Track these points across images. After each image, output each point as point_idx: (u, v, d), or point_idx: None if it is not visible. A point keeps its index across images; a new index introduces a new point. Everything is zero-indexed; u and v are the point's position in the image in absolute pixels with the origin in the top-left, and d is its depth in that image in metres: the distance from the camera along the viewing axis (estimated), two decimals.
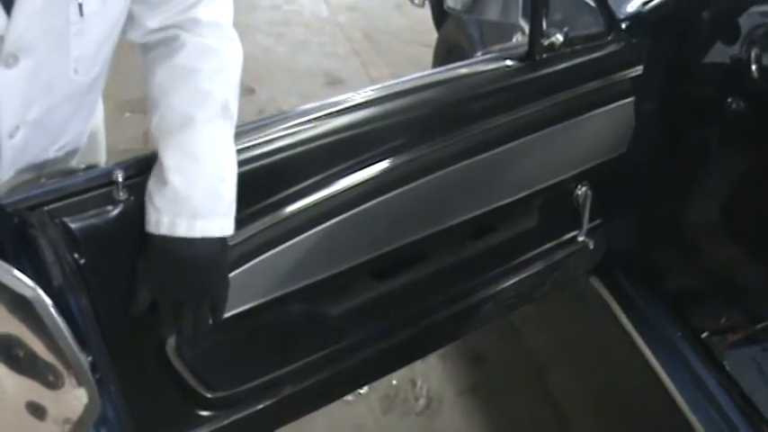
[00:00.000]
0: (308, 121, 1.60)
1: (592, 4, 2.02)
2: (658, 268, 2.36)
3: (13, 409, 1.19)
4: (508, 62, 1.88)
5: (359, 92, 1.70)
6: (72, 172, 1.42)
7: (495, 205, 1.92)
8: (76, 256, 1.35)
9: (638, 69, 2.03)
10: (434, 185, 1.74)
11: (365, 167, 1.64)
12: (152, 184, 1.36)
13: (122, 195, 1.36)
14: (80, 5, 1.31)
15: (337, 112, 1.63)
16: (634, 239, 2.34)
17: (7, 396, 1.18)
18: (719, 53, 2.20)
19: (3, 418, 1.21)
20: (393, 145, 1.67)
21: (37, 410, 1.18)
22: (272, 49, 5.22)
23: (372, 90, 1.72)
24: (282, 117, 1.59)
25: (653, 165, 2.23)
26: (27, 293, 1.07)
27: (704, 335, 2.22)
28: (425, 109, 1.74)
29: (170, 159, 1.35)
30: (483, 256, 2.03)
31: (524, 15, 2.00)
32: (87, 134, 1.67)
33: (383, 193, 1.67)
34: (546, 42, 1.91)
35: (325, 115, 1.62)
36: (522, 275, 2.11)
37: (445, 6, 2.21)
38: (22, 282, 1.06)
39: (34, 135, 1.44)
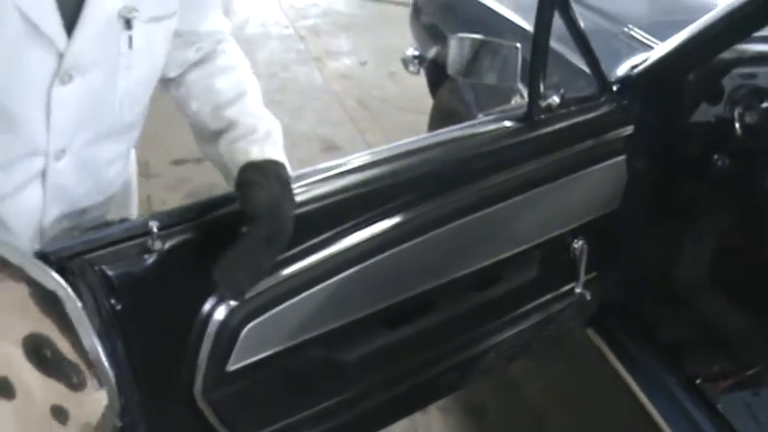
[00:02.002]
0: (318, 180, 1.70)
1: (585, 68, 2.15)
2: (652, 318, 2.44)
3: (40, 414, 1.26)
4: (507, 123, 2.00)
5: (363, 153, 1.80)
6: (109, 223, 1.52)
7: (495, 259, 2.01)
8: (113, 302, 1.44)
9: (629, 129, 2.15)
10: (437, 241, 1.83)
11: (371, 225, 1.73)
12: (236, 138, 1.56)
13: (157, 245, 1.45)
14: (130, 37, 1.44)
15: (343, 172, 1.73)
16: (628, 291, 2.43)
17: (35, 400, 1.26)
18: (705, 113, 2.32)
19: (29, 423, 1.28)
20: (397, 203, 1.76)
21: (60, 414, 1.26)
22: None
23: (377, 152, 1.82)
24: (299, 174, 1.69)
25: (644, 220, 2.33)
26: (57, 291, 1.16)
27: (698, 381, 2.30)
28: (430, 167, 1.83)
29: (245, 119, 1.58)
30: (484, 308, 2.10)
31: (522, 79, 2.13)
32: (120, 191, 1.77)
33: (388, 249, 1.75)
34: (543, 104, 2.02)
35: (331, 176, 1.71)
36: (521, 327, 2.19)
37: (449, 72, 2.33)
38: (54, 279, 1.15)
39: (78, 168, 1.55)
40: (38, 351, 1.22)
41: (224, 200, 1.55)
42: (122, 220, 1.55)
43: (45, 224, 1.58)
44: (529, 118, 2.00)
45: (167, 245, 1.46)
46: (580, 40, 2.07)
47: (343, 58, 6.41)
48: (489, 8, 3.43)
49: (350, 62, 6.33)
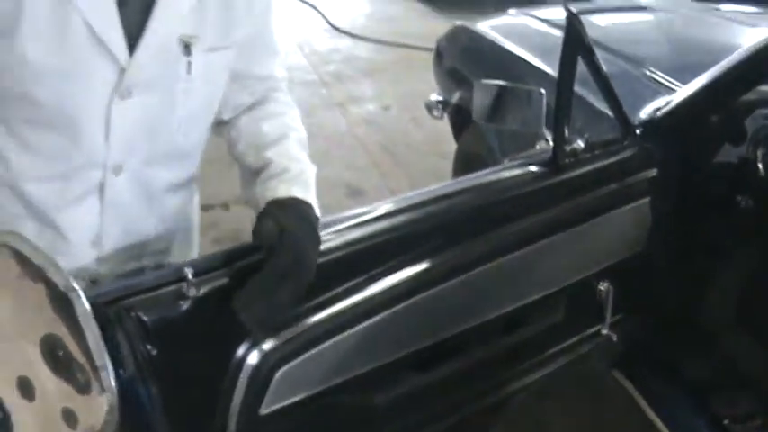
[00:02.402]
0: (347, 227, 1.73)
1: (609, 112, 2.18)
2: (679, 359, 2.45)
3: (53, 417, 1.29)
4: (533, 168, 2.03)
5: (390, 200, 1.85)
6: (145, 269, 1.56)
7: (521, 303, 2.03)
8: (149, 347, 1.47)
9: (653, 171, 2.17)
10: (464, 285, 1.85)
11: (399, 270, 1.75)
12: (268, 177, 1.62)
13: (192, 292, 1.49)
14: (189, 63, 1.52)
15: (371, 219, 1.77)
16: (655, 332, 2.44)
17: (49, 402, 1.30)
18: (728, 154, 2.35)
19: (44, 426, 1.31)
20: (424, 249, 1.79)
21: (70, 418, 1.28)
22: None
23: (403, 198, 1.86)
24: (325, 222, 1.73)
25: (670, 260, 2.35)
26: (69, 292, 1.21)
27: (726, 422, 2.30)
28: (457, 213, 1.87)
29: (280, 160, 1.63)
30: (511, 351, 2.11)
31: (547, 124, 2.16)
32: (182, 230, 1.82)
33: (416, 294, 1.77)
34: (568, 149, 2.05)
35: (359, 222, 1.75)
36: (549, 369, 2.21)
37: (473, 117, 2.37)
38: (67, 280, 1.20)
39: (134, 187, 1.62)
40: (52, 352, 1.26)
41: (257, 246, 1.58)
42: (158, 267, 1.60)
43: (104, 243, 1.64)
44: (554, 163, 2.03)
45: (202, 291, 1.49)
46: (603, 84, 2.10)
47: (366, 103, 6.48)
48: (512, 53, 3.49)
49: (373, 107, 6.40)
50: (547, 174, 2.02)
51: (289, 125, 1.75)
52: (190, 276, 1.48)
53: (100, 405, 1.24)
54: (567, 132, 2.03)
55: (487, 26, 3.99)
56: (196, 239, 1.96)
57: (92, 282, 1.65)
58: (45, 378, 1.29)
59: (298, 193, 1.57)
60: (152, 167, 1.63)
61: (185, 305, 1.48)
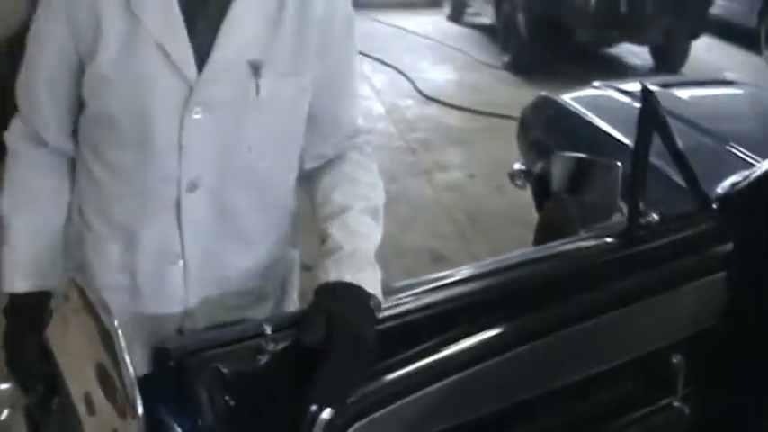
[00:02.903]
0: (425, 291, 1.79)
1: (685, 186, 2.21)
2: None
3: None
4: (608, 239, 2.07)
5: (468, 266, 1.91)
6: (227, 325, 1.64)
7: (592, 371, 2.05)
8: (227, 398, 1.54)
9: (730, 246, 2.19)
10: (536, 352, 1.88)
11: (473, 335, 1.79)
12: (324, 253, 1.62)
13: (270, 347, 1.55)
14: (257, 85, 1.60)
15: (449, 283, 1.83)
16: (729, 405, 2.42)
17: (104, 421, 1.39)
18: None
19: None
20: (498, 315, 1.83)
21: None
22: None
23: (481, 265, 1.94)
24: (407, 284, 1.79)
25: (745, 335, 2.34)
26: (110, 329, 1.31)
27: None
28: (533, 281, 1.92)
29: (337, 235, 1.64)
30: (581, 420, 2.12)
31: (623, 196, 2.20)
32: (275, 282, 1.88)
33: (488, 359, 1.80)
34: (643, 221, 2.09)
35: (438, 286, 1.81)
36: None
37: (553, 188, 2.42)
38: (109, 318, 1.31)
39: (211, 206, 1.69)
40: (103, 376, 1.37)
41: None
42: (238, 322, 1.68)
43: (191, 270, 1.73)
44: (628, 234, 2.06)
45: (279, 346, 1.56)
46: (678, 158, 2.13)
47: (452, 170, 6.56)
48: (594, 125, 3.54)
49: (459, 175, 6.47)
50: (621, 245, 2.05)
51: (358, 194, 1.74)
52: (268, 332, 1.55)
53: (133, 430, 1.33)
54: (642, 205, 2.07)
55: (571, 97, 4.06)
56: (292, 301, 1.98)
57: (178, 331, 1.75)
58: (100, 398, 1.40)
59: (347, 275, 1.58)
60: (227, 187, 1.69)
61: (263, 359, 1.55)
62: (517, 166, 4.12)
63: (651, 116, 2.01)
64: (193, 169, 1.64)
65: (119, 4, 1.55)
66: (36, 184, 1.77)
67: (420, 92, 8.69)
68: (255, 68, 1.60)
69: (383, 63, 9.81)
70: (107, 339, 1.34)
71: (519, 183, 4.10)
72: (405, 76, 9.29)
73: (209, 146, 1.63)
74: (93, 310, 1.37)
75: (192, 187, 1.65)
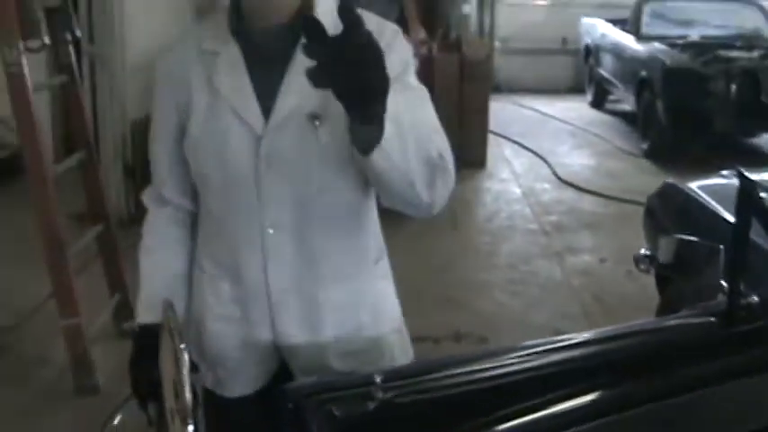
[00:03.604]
0: (531, 354, 1.94)
1: None
2: None
3: None
4: (708, 318, 2.17)
5: (568, 336, 2.04)
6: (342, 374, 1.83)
7: None
8: None
9: None
10: (627, 423, 1.95)
11: (572, 398, 1.89)
12: None
13: (380, 395, 1.73)
14: (317, 134, 1.85)
15: (556, 348, 1.97)
16: None
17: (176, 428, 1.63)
18: None
19: None
20: (593, 383, 1.93)
21: None
22: (507, 304, 5.65)
23: (581, 334, 2.06)
24: (503, 350, 1.94)
25: None
26: (179, 356, 1.57)
27: None
28: (632, 352, 2.03)
29: None
30: None
31: (725, 276, 2.29)
32: (376, 335, 2.07)
33: (589, 421, 1.89)
34: (743, 301, 2.18)
35: (533, 353, 1.95)
36: None
37: (659, 269, 2.53)
38: (180, 345, 1.57)
39: (294, 244, 1.93)
40: (175, 392, 1.64)
41: (443, 365, 1.82)
42: (349, 373, 1.87)
43: (282, 303, 1.97)
44: (728, 315, 2.15)
45: (388, 395, 1.74)
46: None
47: (583, 254, 6.64)
48: (717, 213, 3.61)
49: (590, 259, 6.54)
50: (720, 325, 2.15)
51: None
52: (378, 381, 1.74)
53: None
54: (742, 286, 2.17)
55: (697, 185, 4.13)
56: (398, 357, 2.15)
57: (281, 359, 2.03)
58: (173, 411, 1.66)
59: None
60: (304, 226, 1.93)
61: (372, 405, 1.73)
62: (642, 251, 4.17)
63: (749, 201, 2.12)
64: (271, 211, 1.92)
65: (204, 82, 1.93)
66: (159, 234, 2.12)
67: (558, 176, 8.79)
68: (314, 119, 1.85)
69: (524, 147, 9.98)
70: (177, 360, 1.59)
71: (643, 267, 4.15)
72: (544, 160, 9.42)
73: (282, 190, 1.90)
74: (171, 335, 1.63)
75: (273, 227, 1.93)
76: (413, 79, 1.92)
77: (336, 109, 1.71)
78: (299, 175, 1.90)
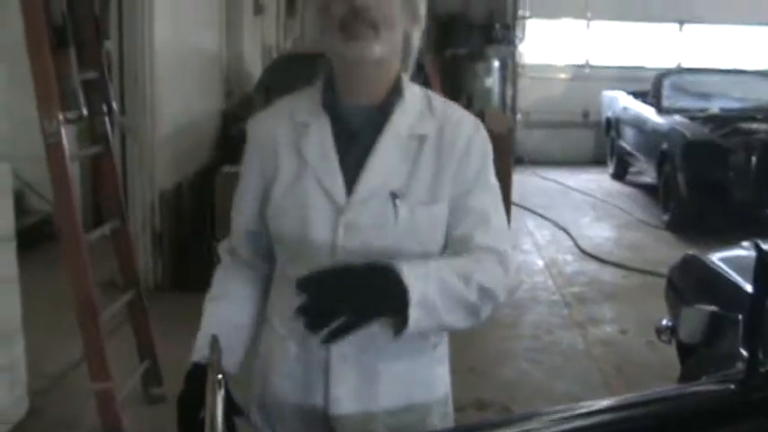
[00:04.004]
0: (547, 422, 2.00)
1: None
2: None
3: None
4: (726, 385, 2.23)
5: (587, 402, 2.08)
6: None
7: None
8: None
9: None
10: None
11: None
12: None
13: None
14: (396, 212, 1.95)
15: (569, 417, 2.02)
16: None
17: None
18: None
19: None
20: None
21: None
22: (529, 373, 5.69)
23: (598, 402, 2.11)
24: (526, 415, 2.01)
25: None
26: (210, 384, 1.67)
27: None
28: (651, 420, 2.09)
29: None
30: None
31: (743, 344, 2.36)
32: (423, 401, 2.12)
33: None
34: (762, 370, 2.24)
35: (555, 419, 1.99)
36: None
37: (680, 338, 2.59)
38: (214, 379, 1.67)
39: None
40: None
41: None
42: None
43: (339, 374, 2.02)
44: (746, 382, 2.21)
45: None
46: None
47: (604, 325, 6.68)
48: (736, 284, 3.68)
49: (611, 329, 6.58)
50: (738, 392, 2.20)
51: (459, 259, 1.96)
52: None
53: None
54: (760, 354, 2.23)
55: (718, 257, 4.20)
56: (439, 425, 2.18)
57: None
58: None
59: (398, 264, 1.82)
60: None
61: None
62: (664, 321, 4.23)
63: (766, 271, 2.19)
64: None
65: (292, 150, 2.03)
66: (226, 285, 2.20)
67: (579, 248, 8.87)
68: (395, 197, 1.95)
69: (546, 219, 10.10)
70: (213, 392, 1.67)
71: (664, 338, 4.20)
72: (566, 232, 9.52)
73: (356, 259, 1.94)
74: (212, 367, 1.71)
75: None
76: (491, 176, 2.05)
77: (416, 190, 1.97)
78: (374, 249, 1.96)
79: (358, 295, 1.77)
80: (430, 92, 2.09)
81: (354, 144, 2.00)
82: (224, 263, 2.24)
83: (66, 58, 4.00)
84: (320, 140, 2.00)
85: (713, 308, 2.54)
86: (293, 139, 2.03)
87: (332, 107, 2.02)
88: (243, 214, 2.16)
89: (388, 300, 1.80)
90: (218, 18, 8.97)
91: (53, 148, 3.91)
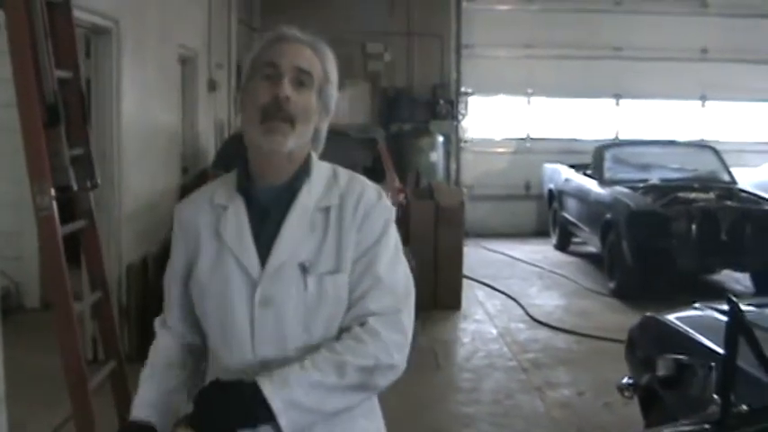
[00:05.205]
0: None
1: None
2: None
3: None
4: (702, 425, 2.47)
5: None
6: None
7: None
8: None
9: None
10: None
11: None
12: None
13: None
14: (305, 282, 2.15)
15: None
16: None
17: None
18: None
19: None
20: None
21: None
22: None
23: None
24: None
25: None
26: None
27: None
28: None
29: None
30: None
31: (717, 389, 2.60)
32: None
33: None
34: (735, 410, 2.49)
35: None
36: None
37: (657, 387, 2.83)
38: None
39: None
40: None
41: None
42: None
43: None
44: (721, 423, 2.46)
45: None
46: (763, 360, 2.55)
47: (562, 388, 6.92)
48: (695, 340, 3.95)
49: (568, 392, 6.83)
50: (715, 431, 2.45)
51: (332, 346, 2.13)
52: None
53: None
54: (732, 397, 2.48)
55: (675, 317, 4.49)
56: None
57: None
58: None
59: (261, 378, 2.05)
60: (288, 360, 2.12)
61: None
62: (625, 379, 4.48)
63: (737, 324, 2.45)
64: (263, 349, 2.17)
65: (211, 231, 2.25)
66: (159, 354, 2.38)
67: (530, 316, 9.13)
68: (304, 269, 2.17)
69: (495, 289, 10.35)
70: None
71: (627, 395, 4.45)
72: (516, 301, 9.78)
73: (274, 330, 2.16)
74: None
75: (264, 365, 2.14)
76: (391, 240, 2.24)
77: (323, 260, 2.18)
78: (289, 318, 2.16)
79: (227, 410, 2.03)
80: (337, 167, 2.32)
81: (267, 221, 2.21)
82: (158, 335, 2.42)
83: (58, 135, 4.18)
84: (236, 221, 2.22)
85: (684, 357, 2.78)
86: (212, 222, 2.25)
87: (246, 189, 2.24)
88: (172, 291, 2.37)
89: (251, 412, 2.03)
90: (176, 96, 9.18)
91: (45, 221, 4.05)
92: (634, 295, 9.53)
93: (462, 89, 14.90)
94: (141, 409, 2.29)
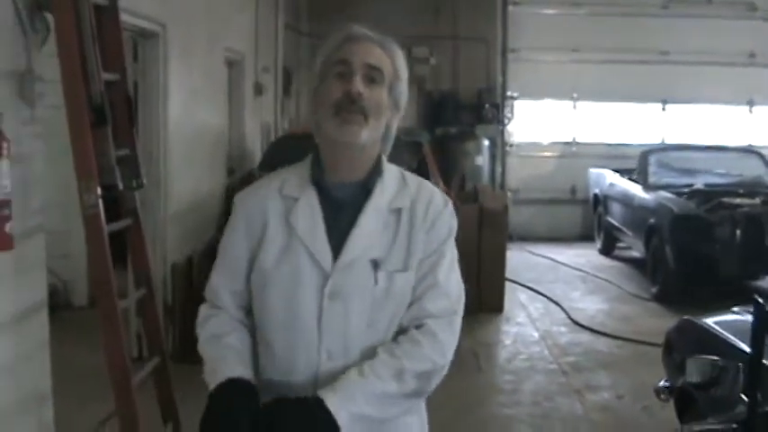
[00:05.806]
0: None
1: None
2: None
3: None
4: (731, 425, 2.50)
5: None
6: None
7: None
8: None
9: None
10: None
11: None
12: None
13: None
14: (376, 278, 2.20)
15: None
16: None
17: None
18: None
19: None
20: None
21: None
22: None
23: None
24: None
25: None
26: None
27: None
28: None
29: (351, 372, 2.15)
30: None
31: (744, 389, 2.62)
32: None
33: None
34: (760, 410, 2.51)
35: None
36: None
37: (687, 384, 2.86)
38: None
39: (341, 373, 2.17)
40: None
41: None
42: None
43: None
44: (748, 423, 2.48)
45: None
46: None
47: (601, 391, 6.92)
48: (730, 343, 3.95)
49: (608, 396, 6.83)
50: (741, 431, 2.48)
51: (390, 350, 2.18)
52: None
53: None
54: (760, 398, 2.50)
55: (712, 320, 4.49)
56: None
57: None
58: None
59: (324, 393, 2.09)
60: (350, 356, 2.20)
61: None
62: (662, 382, 4.50)
63: (763, 324, 2.48)
64: (329, 342, 2.21)
65: (281, 219, 2.26)
66: (224, 325, 2.33)
67: (572, 320, 9.13)
68: (375, 265, 2.21)
69: (538, 293, 10.36)
70: None
71: (663, 397, 4.46)
72: (558, 305, 9.78)
73: (341, 323, 2.20)
74: None
75: (330, 356, 2.21)
76: (450, 248, 2.31)
77: (393, 258, 2.23)
78: (356, 312, 2.20)
79: (293, 427, 2.05)
80: (404, 171, 2.37)
81: (339, 216, 2.25)
82: (209, 317, 2.36)
83: (105, 136, 4.28)
84: (309, 213, 2.25)
85: (714, 357, 2.81)
86: (282, 212, 2.26)
87: (319, 183, 2.27)
88: (226, 285, 2.33)
89: (316, 428, 2.06)
90: (222, 99, 9.31)
91: (91, 218, 4.14)
92: (676, 300, 9.48)
93: (508, 93, 14.90)
94: (229, 369, 2.22)
